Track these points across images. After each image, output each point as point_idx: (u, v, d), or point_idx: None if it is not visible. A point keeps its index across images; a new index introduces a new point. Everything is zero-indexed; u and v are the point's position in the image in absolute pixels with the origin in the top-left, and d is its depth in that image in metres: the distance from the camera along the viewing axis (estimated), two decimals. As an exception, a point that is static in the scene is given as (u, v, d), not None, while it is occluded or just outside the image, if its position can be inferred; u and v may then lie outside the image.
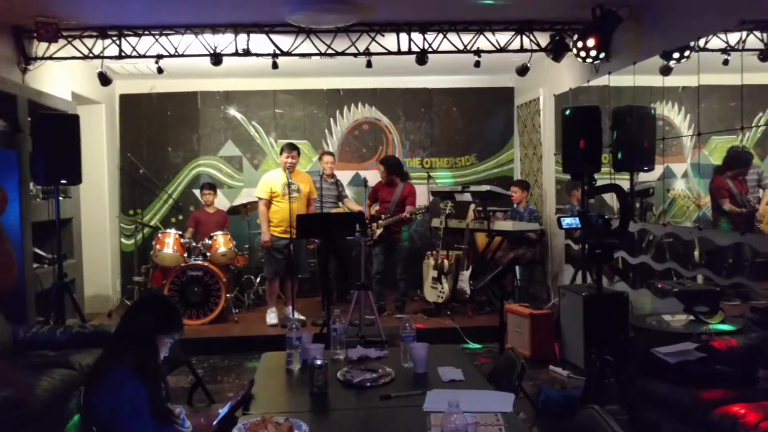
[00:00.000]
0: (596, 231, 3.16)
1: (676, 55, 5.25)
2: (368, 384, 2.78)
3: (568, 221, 3.53)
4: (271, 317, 6.74)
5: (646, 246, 5.86)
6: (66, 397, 3.80)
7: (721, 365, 3.29)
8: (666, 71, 5.48)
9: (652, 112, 5.73)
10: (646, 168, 5.83)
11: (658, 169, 5.80)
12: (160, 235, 7.01)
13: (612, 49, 5.80)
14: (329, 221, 5.87)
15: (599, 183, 6.39)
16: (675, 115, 5.86)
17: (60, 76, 6.48)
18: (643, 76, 5.71)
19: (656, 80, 5.56)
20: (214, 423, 2.50)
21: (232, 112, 8.46)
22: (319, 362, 2.67)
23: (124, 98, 8.30)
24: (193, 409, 3.79)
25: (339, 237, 6.40)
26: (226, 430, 2.31)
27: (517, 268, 7.57)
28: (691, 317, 4.31)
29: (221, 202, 8.13)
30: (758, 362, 3.38)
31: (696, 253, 5.43)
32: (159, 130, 8.35)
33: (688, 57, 5.21)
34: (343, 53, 6.15)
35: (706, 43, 4.94)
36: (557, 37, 6.19)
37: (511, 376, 2.74)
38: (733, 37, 4.67)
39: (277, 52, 6.07)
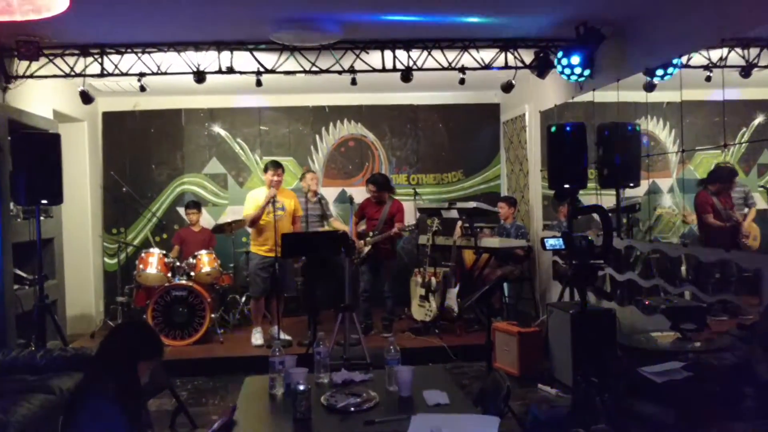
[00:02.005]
0: (580, 252, 3.14)
1: (659, 72, 5.28)
2: (352, 409, 2.73)
3: (552, 242, 3.50)
4: (257, 337, 6.66)
5: (633, 262, 5.86)
6: (46, 422, 3.71)
7: (708, 384, 3.26)
8: (650, 88, 5.51)
9: (637, 128, 5.75)
10: (631, 184, 5.84)
11: (644, 185, 5.81)
12: (143, 254, 6.93)
13: (596, 67, 5.82)
14: (314, 240, 5.82)
15: (585, 198, 6.44)
16: (660, 131, 5.88)
17: (41, 94, 6.41)
18: (627, 92, 5.73)
19: (641, 96, 5.58)
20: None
21: (217, 129, 8.41)
22: (301, 387, 2.62)
23: (107, 116, 8.24)
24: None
25: (324, 256, 6.34)
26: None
27: (505, 285, 7.55)
28: (678, 335, 4.29)
29: (206, 220, 8.06)
30: (745, 380, 3.35)
31: (683, 269, 5.44)
32: (142, 148, 8.29)
33: (671, 74, 5.24)
34: (327, 71, 6.13)
35: (689, 60, 4.97)
36: (541, 54, 6.21)
37: (497, 399, 2.69)
38: (715, 54, 4.70)
39: (261, 69, 6.05)
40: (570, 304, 5.66)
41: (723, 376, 3.36)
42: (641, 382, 3.40)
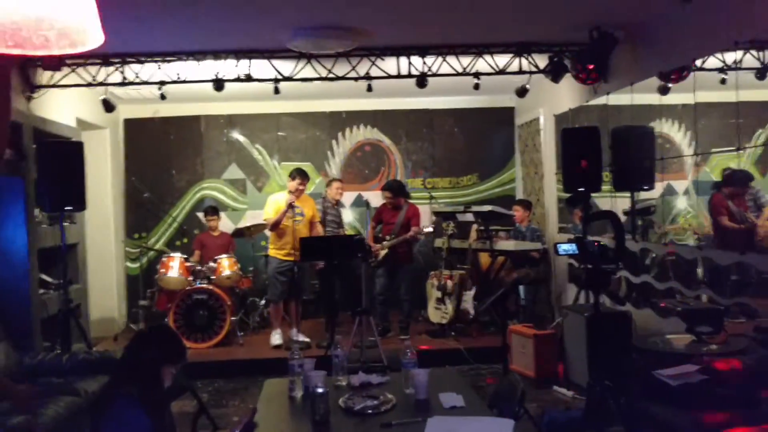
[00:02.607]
0: (593, 257, 3.19)
1: (673, 76, 5.30)
2: (369, 411, 2.81)
3: (565, 247, 3.55)
4: (276, 338, 6.77)
5: (649, 264, 5.87)
6: (71, 424, 3.82)
7: (724, 387, 3.29)
8: (664, 91, 5.53)
9: (650, 131, 5.77)
10: (646, 187, 5.86)
11: (659, 187, 5.82)
12: (164, 258, 7.06)
13: (610, 71, 5.85)
14: (331, 244, 5.92)
15: (601, 201, 6.47)
16: (675, 133, 5.89)
17: (65, 103, 6.56)
18: (642, 94, 5.75)
19: (656, 98, 5.60)
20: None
21: (236, 135, 8.53)
22: (320, 390, 2.70)
23: (128, 123, 8.39)
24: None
25: (341, 260, 6.43)
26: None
27: (521, 287, 7.59)
28: (694, 337, 4.31)
29: (226, 224, 8.18)
30: (761, 384, 3.38)
31: (699, 272, 5.44)
32: (163, 154, 8.43)
33: (684, 77, 5.26)
34: (343, 77, 6.22)
35: (703, 62, 4.99)
36: (555, 59, 6.24)
37: (512, 401, 2.75)
38: (730, 56, 4.71)
39: (279, 77, 6.15)
40: (585, 306, 5.68)
41: (738, 379, 3.39)
42: (656, 385, 3.44)
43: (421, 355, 6.26)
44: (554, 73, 6.33)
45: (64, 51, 1.18)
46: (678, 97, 5.52)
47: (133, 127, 8.41)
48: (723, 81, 4.95)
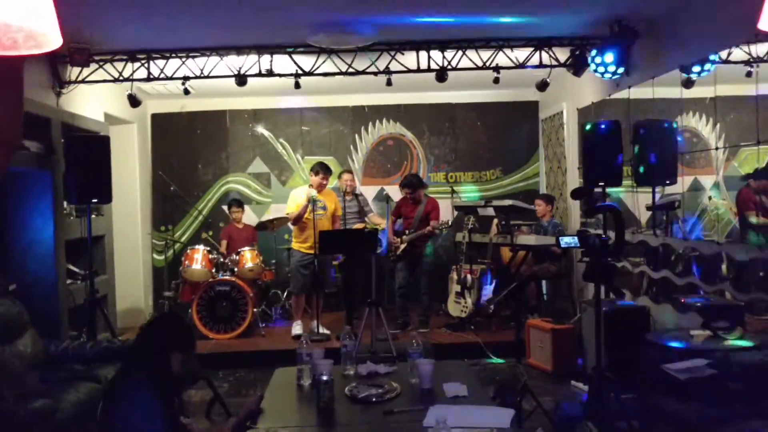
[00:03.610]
0: (594, 250, 3.19)
1: (695, 68, 5.24)
2: (373, 399, 2.86)
3: (567, 240, 3.55)
4: (296, 329, 6.86)
5: (673, 261, 5.82)
6: (92, 409, 3.94)
7: (733, 382, 3.27)
8: (688, 84, 5.46)
9: (673, 125, 5.71)
10: (668, 182, 5.81)
11: (687, 182, 5.75)
12: (188, 251, 7.19)
13: (631, 64, 5.80)
14: (348, 237, 5.99)
15: (625, 197, 6.43)
16: (702, 127, 5.82)
17: (93, 98, 6.72)
18: (667, 88, 5.68)
19: (683, 91, 5.53)
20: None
21: (260, 129, 8.64)
22: (325, 378, 2.76)
23: (155, 117, 8.55)
24: (211, 423, 3.89)
25: (357, 253, 6.51)
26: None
27: (543, 282, 7.57)
28: (710, 333, 4.27)
29: (250, 218, 8.30)
30: (772, 379, 3.35)
31: (724, 267, 5.38)
32: (189, 148, 8.58)
33: (708, 70, 5.19)
34: (363, 72, 6.27)
35: (729, 55, 4.92)
36: (577, 52, 6.21)
37: (514, 392, 2.78)
38: (759, 49, 4.64)
39: (300, 72, 6.23)
40: (605, 301, 5.66)
41: (749, 374, 3.36)
42: (665, 379, 3.43)
43: (439, 349, 6.36)
44: (576, 67, 6.31)
45: (31, 51, 1.36)
46: (707, 90, 5.45)
47: (160, 121, 8.57)
48: (749, 74, 4.90)
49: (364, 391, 2.93)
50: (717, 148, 5.05)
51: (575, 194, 3.70)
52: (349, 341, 3.33)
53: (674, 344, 3.95)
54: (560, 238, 3.54)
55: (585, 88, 6.94)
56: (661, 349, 3.95)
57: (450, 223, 6.97)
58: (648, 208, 6.20)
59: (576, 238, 3.31)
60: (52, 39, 1.41)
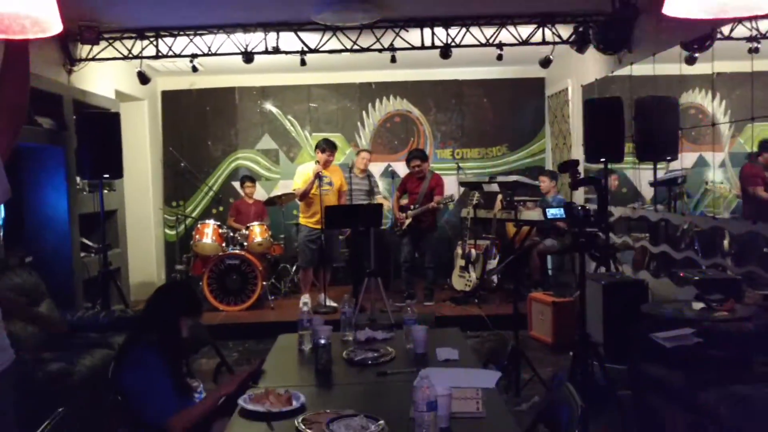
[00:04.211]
0: (578, 221, 3.30)
1: (695, 45, 5.28)
2: (369, 362, 3.01)
3: (553, 212, 3.67)
4: (304, 303, 7.01)
5: (679, 236, 5.90)
6: (104, 372, 4.11)
7: (718, 350, 3.39)
8: (691, 60, 5.50)
9: (675, 101, 5.76)
10: (669, 158, 5.88)
11: (691, 158, 5.80)
12: (199, 225, 7.36)
13: (633, 41, 5.85)
14: (352, 212, 6.14)
15: (630, 172, 6.50)
16: (708, 103, 5.85)
17: (104, 75, 6.86)
18: (672, 64, 5.71)
19: (685, 68, 5.56)
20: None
21: (269, 106, 8.76)
22: (322, 341, 2.90)
23: (165, 94, 8.69)
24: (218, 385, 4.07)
25: (357, 227, 6.68)
26: (235, 400, 2.55)
27: (549, 257, 7.68)
28: (703, 305, 4.38)
29: (259, 193, 8.44)
30: (757, 348, 3.46)
31: (726, 243, 5.46)
32: (199, 125, 8.72)
33: (709, 47, 5.23)
34: (368, 49, 6.35)
35: (731, 31, 4.95)
36: (580, 29, 6.25)
37: (502, 356, 2.91)
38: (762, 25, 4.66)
39: (305, 49, 6.32)
40: (605, 275, 5.78)
41: (734, 342, 3.48)
42: (653, 348, 3.55)
43: (444, 321, 6.50)
44: (579, 43, 6.35)
45: (37, 36, 1.56)
46: (713, 65, 5.48)
47: (170, 98, 8.71)
48: (755, 50, 4.92)
49: (361, 354, 3.07)
50: (714, 124, 5.10)
51: (562, 167, 3.80)
52: (348, 308, 3.47)
53: (666, 315, 4.07)
54: (547, 209, 3.65)
55: (589, 65, 6.98)
56: (653, 320, 4.06)
57: (454, 198, 7.08)
58: (651, 184, 6.27)
59: (562, 209, 3.42)
60: (54, 24, 1.60)
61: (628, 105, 5.89)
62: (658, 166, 6.09)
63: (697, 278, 4.95)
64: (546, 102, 8.75)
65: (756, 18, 4.65)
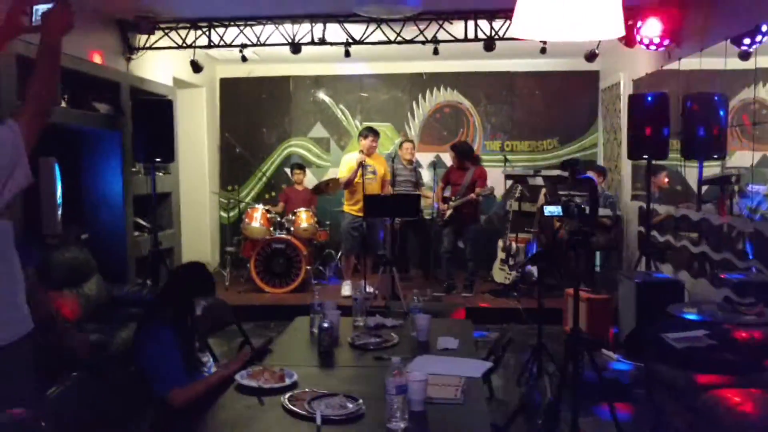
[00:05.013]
0: (573, 219, 3.31)
1: (746, 40, 5.12)
2: (371, 347, 3.13)
3: (551, 209, 3.67)
4: (346, 289, 7.20)
5: (735, 237, 5.75)
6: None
7: (731, 353, 3.34)
8: (745, 56, 5.33)
9: (724, 97, 5.60)
10: (715, 156, 5.72)
11: (755, 157, 5.61)
12: (249, 209, 7.64)
13: (682, 35, 5.71)
14: (391, 202, 6.25)
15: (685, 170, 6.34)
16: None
17: (162, 64, 7.18)
18: (730, 58, 5.53)
19: (739, 63, 5.39)
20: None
21: (321, 95, 8.95)
22: (325, 325, 3.05)
23: (224, 82, 9.00)
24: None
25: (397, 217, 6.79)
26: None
27: (597, 254, 7.59)
28: (730, 307, 4.29)
29: (310, 180, 8.65)
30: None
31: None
32: (255, 112, 9.00)
33: (760, 42, 5.06)
34: (412, 41, 6.42)
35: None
36: (629, 22, 6.13)
37: (498, 347, 2.98)
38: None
39: (350, 40, 6.45)
40: (641, 273, 5.71)
41: (748, 347, 3.42)
42: (665, 348, 3.53)
43: (481, 313, 6.56)
44: (628, 36, 6.22)
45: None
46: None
47: (228, 86, 9.02)
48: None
49: (364, 339, 3.21)
50: (755, 124, 4.94)
51: (563, 165, 3.81)
52: (360, 294, 3.61)
53: (688, 316, 4.02)
54: (544, 206, 3.67)
55: (640, 59, 6.84)
56: (674, 320, 4.01)
57: (494, 190, 7.09)
58: (704, 183, 6.11)
59: (560, 207, 3.44)
60: None
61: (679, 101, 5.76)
62: (713, 164, 5.93)
63: (735, 281, 4.85)
64: (600, 95, 8.60)
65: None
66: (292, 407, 2.35)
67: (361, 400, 2.36)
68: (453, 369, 2.71)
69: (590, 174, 7.40)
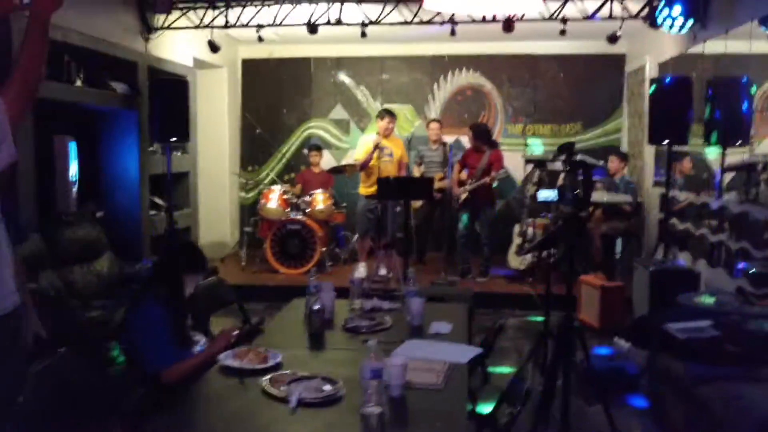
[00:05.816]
0: (568, 204, 3.23)
1: (773, 21, 4.93)
2: (363, 330, 3.11)
3: (545, 194, 3.59)
4: (360, 271, 7.18)
5: (756, 226, 5.60)
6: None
7: (734, 345, 3.25)
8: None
9: (748, 82, 5.41)
10: (738, 142, 5.55)
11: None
12: (266, 190, 7.67)
13: (707, 16, 5.52)
14: (404, 185, 6.21)
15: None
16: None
17: (182, 44, 7.20)
18: (755, 41, 5.36)
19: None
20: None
21: (342, 77, 8.90)
22: (316, 307, 3.04)
23: (245, 62, 9.01)
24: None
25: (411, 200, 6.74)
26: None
27: (619, 240, 7.45)
28: (741, 297, 4.19)
29: (330, 162, 8.63)
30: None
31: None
32: (275, 93, 8.99)
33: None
34: (429, 22, 6.33)
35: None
36: (654, 3, 5.96)
37: (489, 334, 2.94)
38: None
39: (366, 21, 6.38)
40: (657, 261, 5.59)
41: (753, 340, 3.32)
42: (667, 337, 3.45)
43: (495, 298, 6.50)
44: (651, 18, 6.06)
45: None
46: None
47: (250, 66, 9.02)
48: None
49: (356, 322, 3.19)
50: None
51: (560, 149, 3.72)
52: (357, 277, 3.58)
53: (697, 305, 3.92)
54: (539, 192, 3.59)
55: (665, 42, 6.66)
56: (682, 309, 3.92)
57: (508, 173, 7.00)
58: (726, 169, 5.95)
59: (555, 192, 3.36)
60: None
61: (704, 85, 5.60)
62: (740, 150, 5.76)
63: (753, 271, 4.72)
64: (625, 79, 8.40)
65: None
66: (269, 389, 2.35)
67: (340, 383, 2.34)
68: (440, 354, 2.68)
69: (612, 159, 7.28)
